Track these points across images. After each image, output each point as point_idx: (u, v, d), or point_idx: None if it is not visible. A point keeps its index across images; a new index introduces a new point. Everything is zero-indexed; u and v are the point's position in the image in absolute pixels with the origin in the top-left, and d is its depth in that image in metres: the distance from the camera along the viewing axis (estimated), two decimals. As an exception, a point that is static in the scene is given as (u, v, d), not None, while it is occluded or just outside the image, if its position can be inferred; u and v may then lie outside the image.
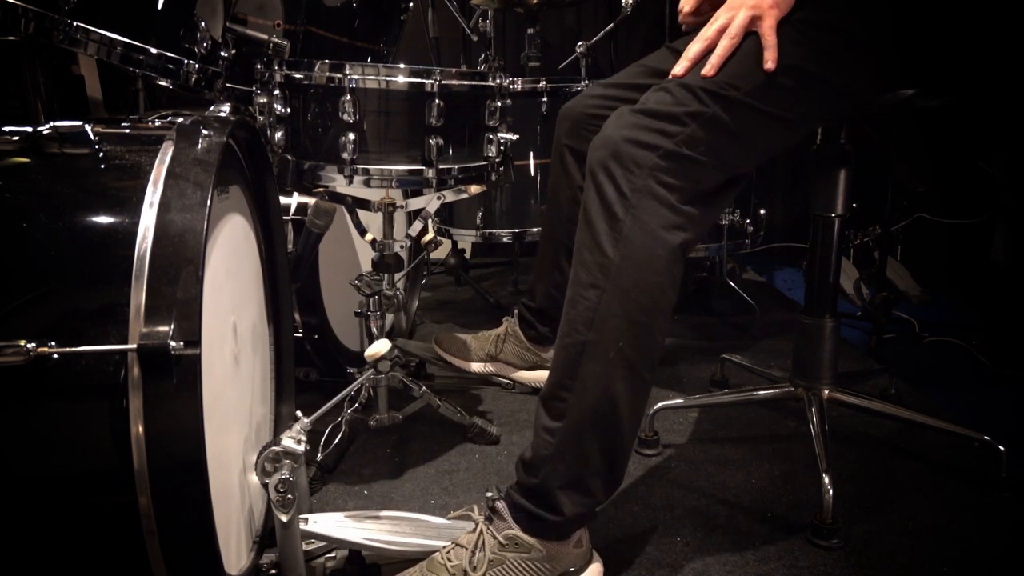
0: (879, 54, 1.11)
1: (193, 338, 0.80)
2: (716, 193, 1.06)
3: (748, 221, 2.23)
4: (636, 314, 1.00)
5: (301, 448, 1.02)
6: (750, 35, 1.06)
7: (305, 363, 1.73)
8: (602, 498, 1.08)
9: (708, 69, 1.04)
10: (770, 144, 1.12)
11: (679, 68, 1.07)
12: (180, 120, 1.00)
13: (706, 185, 1.04)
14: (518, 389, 1.81)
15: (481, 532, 1.07)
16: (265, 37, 1.42)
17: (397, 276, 1.51)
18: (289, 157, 1.34)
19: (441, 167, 1.35)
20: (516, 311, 1.79)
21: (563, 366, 1.03)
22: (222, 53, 1.31)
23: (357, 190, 1.43)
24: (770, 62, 1.03)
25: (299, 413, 1.07)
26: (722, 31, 1.06)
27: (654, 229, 0.99)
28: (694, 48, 1.07)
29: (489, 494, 1.10)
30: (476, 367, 1.79)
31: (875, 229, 2.55)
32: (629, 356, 1.01)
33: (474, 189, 1.49)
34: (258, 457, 1.02)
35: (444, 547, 1.08)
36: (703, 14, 1.32)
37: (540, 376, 1.79)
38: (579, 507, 1.05)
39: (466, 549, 1.06)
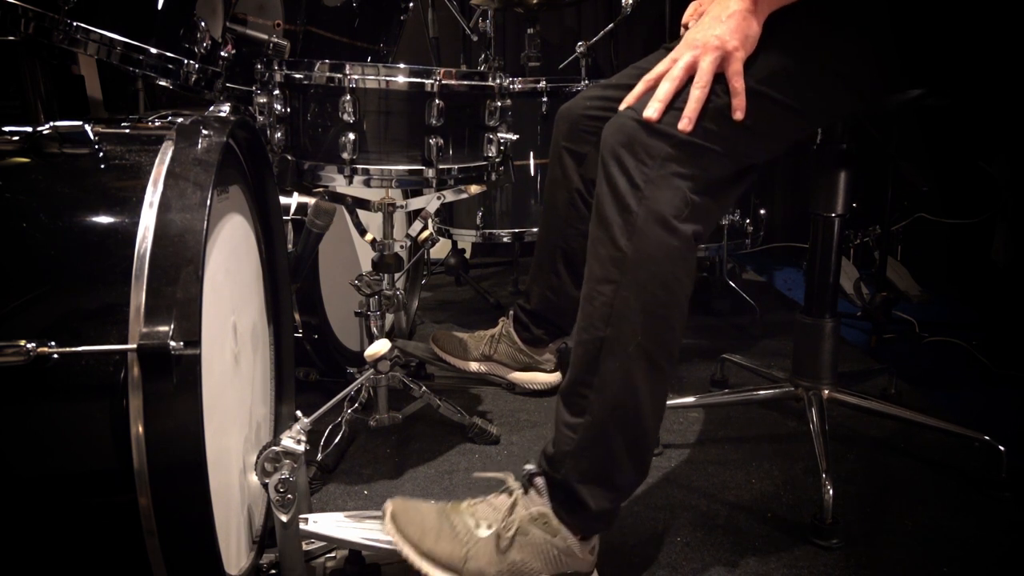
0: (882, 50, 1.11)
1: (193, 338, 0.80)
2: (726, 184, 1.05)
3: (748, 221, 2.23)
4: (653, 306, 1.00)
5: (301, 448, 1.02)
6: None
7: (305, 363, 1.73)
8: (627, 492, 1.08)
9: (686, 124, 0.98)
10: (782, 135, 1.10)
11: (652, 111, 0.99)
12: (180, 120, 1.00)
13: (717, 174, 1.03)
14: (519, 390, 1.81)
15: (517, 499, 1.07)
16: (265, 37, 1.43)
17: (397, 276, 1.51)
18: (289, 157, 1.34)
19: (441, 167, 1.35)
20: (511, 312, 1.79)
21: (582, 362, 1.03)
22: (222, 53, 1.31)
23: (357, 190, 1.43)
24: (739, 112, 0.99)
25: (299, 413, 1.07)
26: (688, 70, 1.00)
27: (667, 219, 0.98)
28: (664, 88, 1.00)
29: (529, 466, 1.09)
30: (474, 366, 1.79)
31: (875, 229, 2.56)
32: (648, 349, 1.00)
33: (474, 189, 1.49)
34: (258, 457, 1.02)
35: (472, 500, 1.09)
36: None
37: (533, 377, 1.79)
38: (604, 502, 1.05)
39: (495, 509, 1.06)
